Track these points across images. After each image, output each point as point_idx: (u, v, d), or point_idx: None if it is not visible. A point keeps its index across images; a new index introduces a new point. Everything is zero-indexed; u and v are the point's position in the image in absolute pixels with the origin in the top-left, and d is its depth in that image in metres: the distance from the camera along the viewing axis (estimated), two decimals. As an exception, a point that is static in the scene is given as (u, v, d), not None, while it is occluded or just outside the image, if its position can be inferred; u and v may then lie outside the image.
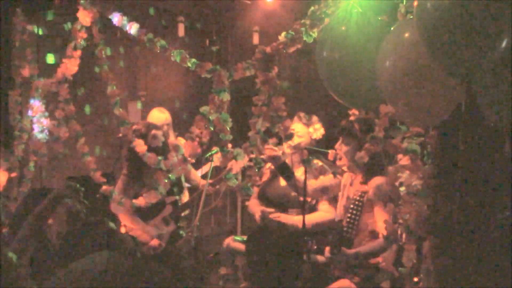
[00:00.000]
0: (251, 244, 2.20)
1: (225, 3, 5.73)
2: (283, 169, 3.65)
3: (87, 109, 3.97)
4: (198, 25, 6.18)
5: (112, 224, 2.83)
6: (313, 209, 3.90)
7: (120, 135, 4.00)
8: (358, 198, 3.33)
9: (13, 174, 3.88)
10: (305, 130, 3.97)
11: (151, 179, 3.95)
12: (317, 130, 3.98)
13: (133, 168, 3.97)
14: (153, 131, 3.96)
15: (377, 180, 3.28)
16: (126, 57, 5.95)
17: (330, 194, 3.76)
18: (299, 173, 3.84)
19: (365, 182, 3.35)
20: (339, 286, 3.29)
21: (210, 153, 3.92)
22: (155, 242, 3.98)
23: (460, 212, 2.42)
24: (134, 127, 3.95)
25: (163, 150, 3.93)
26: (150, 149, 3.83)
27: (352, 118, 3.38)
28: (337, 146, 3.45)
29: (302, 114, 4.01)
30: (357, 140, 3.35)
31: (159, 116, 4.56)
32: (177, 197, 4.17)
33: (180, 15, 5.77)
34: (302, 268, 2.12)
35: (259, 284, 2.05)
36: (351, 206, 3.34)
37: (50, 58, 4.15)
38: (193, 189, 4.36)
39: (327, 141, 3.98)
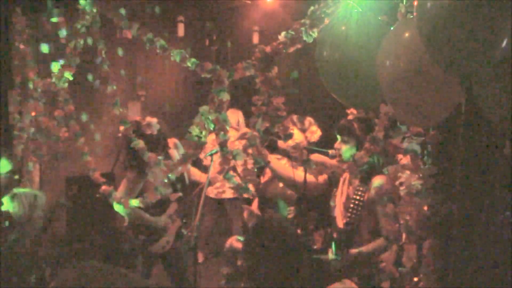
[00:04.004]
0: (250, 242, 2.13)
1: (225, 3, 5.73)
2: None
3: (84, 116, 3.99)
4: (198, 25, 6.19)
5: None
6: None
7: (120, 135, 4.01)
8: (358, 197, 3.33)
9: (16, 177, 3.88)
10: (302, 135, 3.91)
11: (151, 173, 3.98)
12: (314, 133, 3.92)
13: (136, 165, 3.99)
14: (148, 118, 3.98)
15: (377, 180, 3.28)
16: (126, 57, 5.95)
17: (327, 171, 3.67)
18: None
19: (364, 181, 3.34)
20: (341, 286, 3.29)
21: (210, 153, 3.92)
22: (163, 242, 4.02)
23: (460, 212, 2.42)
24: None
25: (158, 141, 3.96)
26: (145, 138, 3.85)
27: (350, 117, 3.38)
28: (336, 145, 3.45)
29: (295, 118, 3.93)
30: (356, 139, 3.35)
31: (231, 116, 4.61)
32: (181, 194, 4.18)
33: (180, 15, 5.77)
34: (303, 266, 2.04)
35: (258, 282, 2.01)
36: (351, 205, 3.34)
37: (44, 48, 4.16)
38: (195, 186, 4.37)
39: (326, 141, 3.97)
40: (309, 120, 3.94)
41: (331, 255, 3.28)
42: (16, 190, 3.43)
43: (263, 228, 2.08)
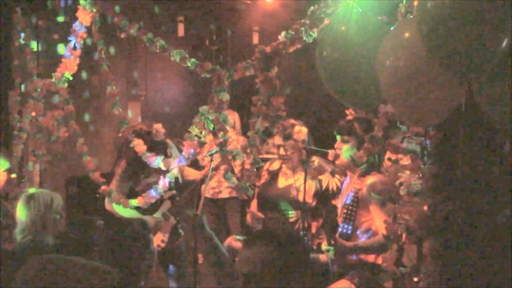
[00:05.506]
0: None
1: (225, 3, 5.73)
2: None
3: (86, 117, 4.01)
4: (198, 25, 6.19)
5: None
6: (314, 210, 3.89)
7: (120, 135, 4.01)
8: (353, 194, 3.34)
9: (13, 176, 3.88)
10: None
11: (147, 177, 3.97)
12: (300, 132, 3.91)
13: (131, 166, 3.98)
14: (155, 126, 3.97)
15: (370, 179, 3.29)
16: (126, 57, 5.96)
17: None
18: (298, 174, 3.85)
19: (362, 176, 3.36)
20: (339, 286, 3.29)
21: (210, 153, 3.91)
22: (157, 240, 4.01)
23: (460, 212, 2.41)
24: (136, 127, 3.96)
25: (164, 146, 3.96)
26: (153, 143, 3.84)
27: (349, 117, 3.38)
28: (336, 145, 3.45)
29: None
30: (356, 139, 3.35)
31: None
32: (175, 192, 4.17)
33: (180, 15, 5.77)
34: (306, 272, 2.00)
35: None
36: (347, 202, 3.35)
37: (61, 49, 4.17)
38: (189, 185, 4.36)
39: (325, 141, 3.96)
40: (292, 122, 3.91)
41: (324, 246, 3.30)
42: (32, 190, 3.41)
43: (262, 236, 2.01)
